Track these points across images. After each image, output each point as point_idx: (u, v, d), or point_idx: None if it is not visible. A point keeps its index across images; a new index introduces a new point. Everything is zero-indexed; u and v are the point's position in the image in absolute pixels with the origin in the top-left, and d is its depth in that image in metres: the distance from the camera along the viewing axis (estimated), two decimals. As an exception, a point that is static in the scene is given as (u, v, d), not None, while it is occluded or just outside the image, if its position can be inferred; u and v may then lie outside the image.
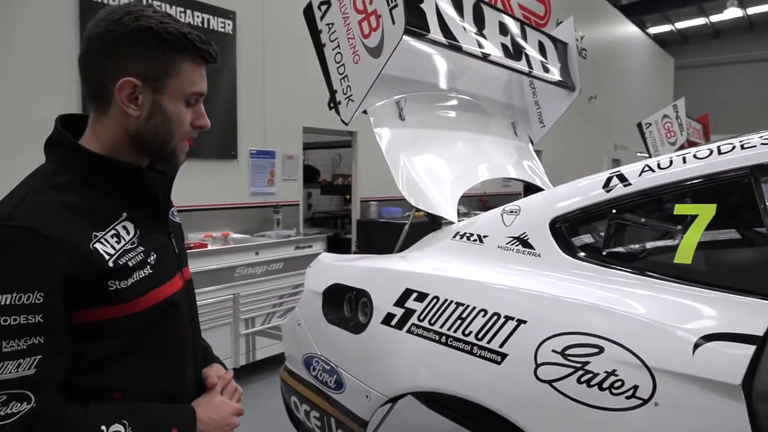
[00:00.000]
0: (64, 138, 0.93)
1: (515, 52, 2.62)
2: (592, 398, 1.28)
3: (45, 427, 0.83)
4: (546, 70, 2.84)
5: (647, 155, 6.96)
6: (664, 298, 1.35)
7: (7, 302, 0.80)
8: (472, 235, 1.90)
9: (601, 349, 1.29)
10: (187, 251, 3.79)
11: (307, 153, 7.28)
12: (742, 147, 1.40)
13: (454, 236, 1.96)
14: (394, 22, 1.99)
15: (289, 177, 5.00)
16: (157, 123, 0.94)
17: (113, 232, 0.92)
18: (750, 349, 1.11)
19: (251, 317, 3.85)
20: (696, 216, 1.40)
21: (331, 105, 2.26)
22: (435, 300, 1.69)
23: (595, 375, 1.28)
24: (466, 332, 1.56)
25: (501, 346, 1.47)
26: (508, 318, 1.49)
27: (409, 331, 1.72)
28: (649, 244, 1.54)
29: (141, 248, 0.95)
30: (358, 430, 1.88)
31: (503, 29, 2.61)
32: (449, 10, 2.28)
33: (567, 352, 1.34)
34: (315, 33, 2.27)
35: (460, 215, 2.25)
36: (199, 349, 1.15)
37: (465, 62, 2.61)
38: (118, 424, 0.88)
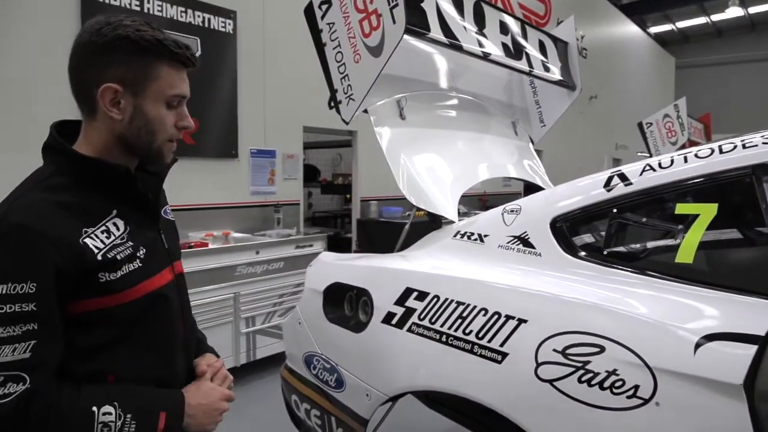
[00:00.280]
0: (58, 143, 1.00)
1: (516, 51, 2.62)
2: (592, 398, 1.27)
3: (39, 406, 0.90)
4: (546, 69, 2.84)
5: (648, 155, 6.95)
6: (665, 298, 1.35)
7: (3, 291, 0.87)
8: (472, 234, 1.90)
9: (602, 349, 1.29)
10: (188, 250, 3.76)
11: (308, 152, 7.28)
12: (744, 146, 1.40)
13: (455, 235, 1.95)
14: (394, 22, 1.99)
15: (290, 176, 5.00)
16: (140, 125, 1.01)
17: (103, 228, 0.99)
18: (752, 349, 1.11)
19: (252, 316, 3.85)
20: (697, 215, 1.39)
21: (332, 104, 2.26)
22: (435, 299, 1.68)
23: (596, 374, 1.28)
24: (467, 331, 1.56)
25: (501, 345, 1.47)
26: (508, 317, 1.48)
27: (409, 330, 1.72)
28: (651, 244, 1.53)
29: (130, 243, 1.02)
30: (359, 428, 1.88)
31: (504, 28, 2.60)
32: (450, 10, 2.28)
33: (568, 351, 1.34)
34: (316, 32, 2.27)
35: (460, 214, 2.25)
36: (192, 339, 1.20)
37: (465, 61, 2.61)
38: (109, 405, 0.95)
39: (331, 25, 2.22)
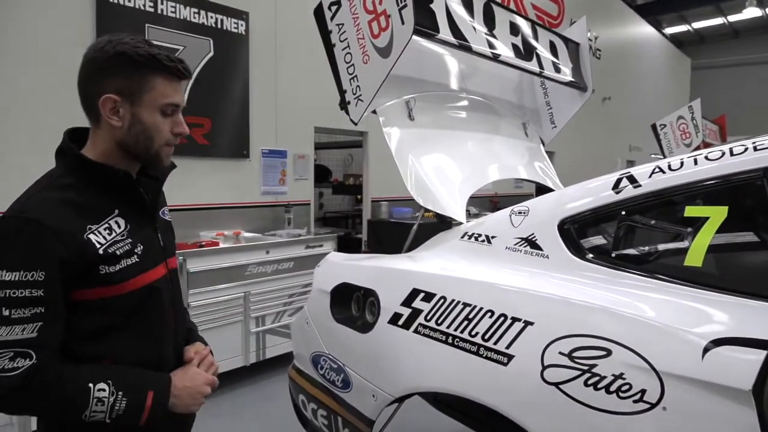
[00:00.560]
0: (69, 148, 1.13)
1: (526, 52, 2.60)
2: (598, 401, 1.27)
3: (43, 380, 1.02)
4: (557, 70, 2.82)
5: (662, 157, 6.88)
6: (673, 302, 1.33)
7: (16, 278, 1.00)
8: (480, 235, 1.89)
9: (609, 352, 1.28)
10: (199, 249, 3.84)
11: (319, 153, 7.31)
12: (755, 149, 1.38)
13: (462, 236, 1.95)
14: (403, 23, 1.99)
15: (301, 176, 5.02)
16: (138, 131, 1.12)
17: (106, 225, 1.11)
18: (761, 355, 1.09)
19: (261, 315, 3.87)
20: (707, 218, 1.38)
21: (342, 105, 2.27)
22: (442, 300, 1.68)
23: (603, 378, 1.27)
24: (473, 333, 1.56)
25: (508, 347, 1.46)
26: (515, 319, 1.48)
27: (415, 331, 1.72)
28: (659, 247, 1.52)
29: (129, 240, 1.13)
30: (365, 429, 1.88)
31: (514, 29, 2.59)
32: (459, 10, 2.27)
33: (574, 354, 1.33)
34: (325, 33, 2.28)
35: (471, 216, 2.24)
36: (182, 329, 1.31)
37: (475, 62, 2.60)
38: (103, 383, 1.06)
39: (340, 26, 2.22)
